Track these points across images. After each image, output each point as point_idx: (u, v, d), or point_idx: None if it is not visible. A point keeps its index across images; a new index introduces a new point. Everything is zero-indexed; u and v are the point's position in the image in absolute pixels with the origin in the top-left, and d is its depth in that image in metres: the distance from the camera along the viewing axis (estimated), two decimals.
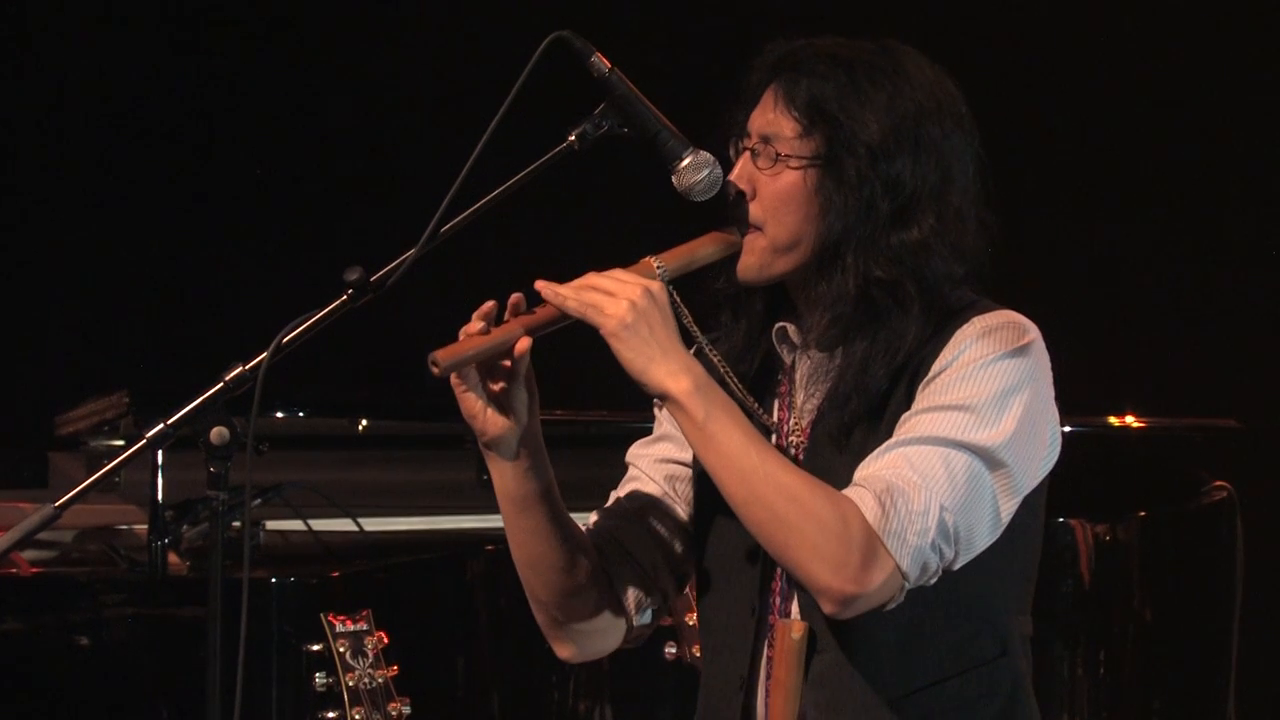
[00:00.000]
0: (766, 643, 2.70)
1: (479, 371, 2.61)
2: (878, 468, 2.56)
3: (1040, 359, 2.63)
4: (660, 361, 2.54)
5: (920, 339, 2.62)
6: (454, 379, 2.60)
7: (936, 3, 5.92)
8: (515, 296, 2.58)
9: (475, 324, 2.56)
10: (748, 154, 2.68)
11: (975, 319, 2.62)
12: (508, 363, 2.60)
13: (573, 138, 2.66)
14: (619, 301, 2.54)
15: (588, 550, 2.76)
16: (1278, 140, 5.94)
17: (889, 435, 2.61)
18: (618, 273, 2.57)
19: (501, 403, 2.63)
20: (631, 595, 2.79)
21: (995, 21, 5.98)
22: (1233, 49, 5.96)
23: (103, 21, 6.19)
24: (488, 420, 2.63)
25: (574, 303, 2.55)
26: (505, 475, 2.68)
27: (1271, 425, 5.70)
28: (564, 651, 2.82)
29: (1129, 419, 5.32)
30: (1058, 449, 2.66)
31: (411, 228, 2.63)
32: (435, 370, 2.53)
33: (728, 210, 2.69)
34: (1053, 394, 2.65)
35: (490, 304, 2.58)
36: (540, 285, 2.57)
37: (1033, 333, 2.63)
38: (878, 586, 2.52)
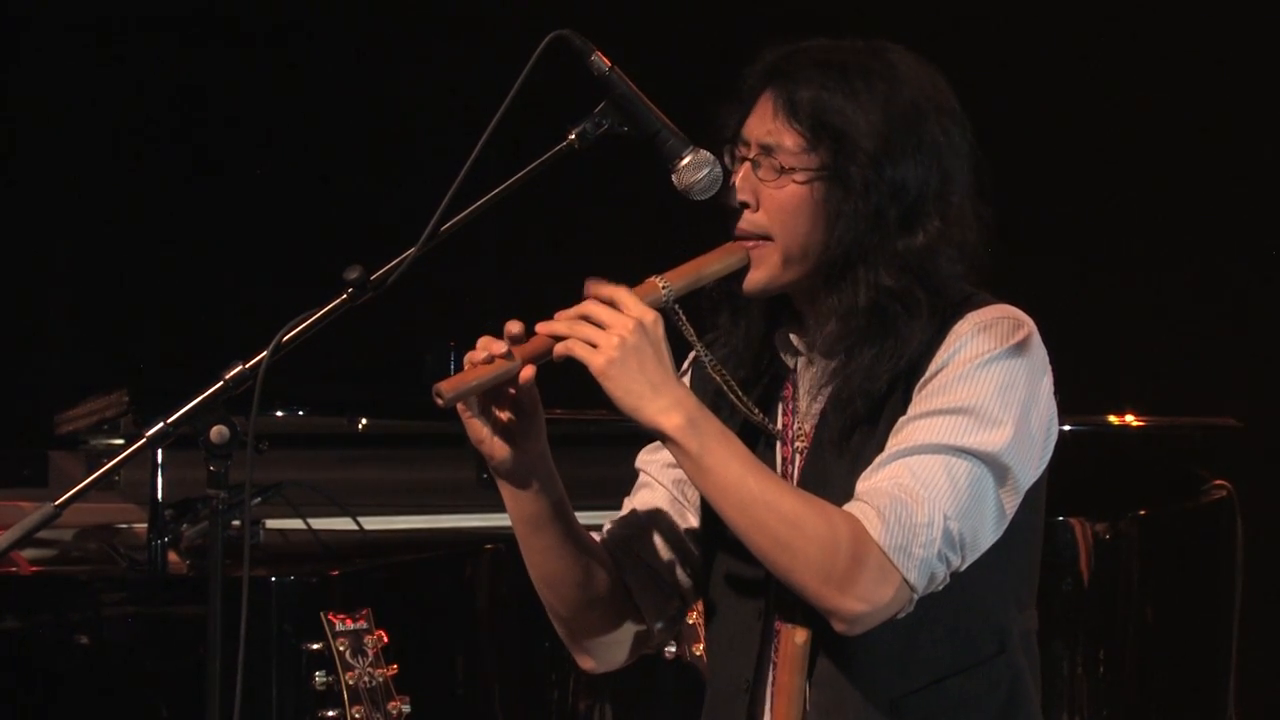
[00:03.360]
0: (772, 648, 2.70)
1: (485, 399, 2.61)
2: (879, 480, 2.56)
3: (1036, 353, 2.62)
4: (650, 399, 2.53)
5: (923, 341, 2.62)
6: (460, 406, 2.60)
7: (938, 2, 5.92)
8: (510, 326, 2.56)
9: (479, 353, 2.55)
10: (748, 165, 2.67)
11: (970, 315, 2.62)
12: (512, 390, 2.60)
13: (573, 136, 2.66)
14: (609, 337, 2.52)
15: (603, 562, 2.76)
16: (1277, 140, 5.94)
17: (887, 437, 2.61)
18: (618, 296, 2.56)
19: (508, 428, 2.63)
20: (650, 603, 2.79)
21: (995, 19, 5.98)
22: (1233, 48, 5.96)
23: (103, 20, 6.19)
24: (495, 446, 2.63)
25: (562, 347, 2.54)
26: (516, 497, 2.68)
27: (1271, 425, 5.70)
28: (586, 663, 2.82)
29: (1129, 418, 5.32)
30: (1055, 439, 2.65)
31: (412, 227, 2.63)
32: (439, 401, 2.52)
33: (730, 223, 2.68)
34: (1051, 386, 2.64)
35: (498, 343, 2.56)
36: (539, 325, 2.56)
37: (1027, 326, 2.62)
38: (887, 602, 2.52)
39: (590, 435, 4.79)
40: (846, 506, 2.55)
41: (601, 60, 2.65)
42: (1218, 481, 5.11)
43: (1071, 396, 2.82)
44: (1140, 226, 6.03)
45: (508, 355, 2.54)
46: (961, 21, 5.87)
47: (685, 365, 2.81)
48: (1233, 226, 6.01)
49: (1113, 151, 6.02)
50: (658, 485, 2.83)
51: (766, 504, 2.52)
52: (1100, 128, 6.03)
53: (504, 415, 2.62)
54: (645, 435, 2.76)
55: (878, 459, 2.58)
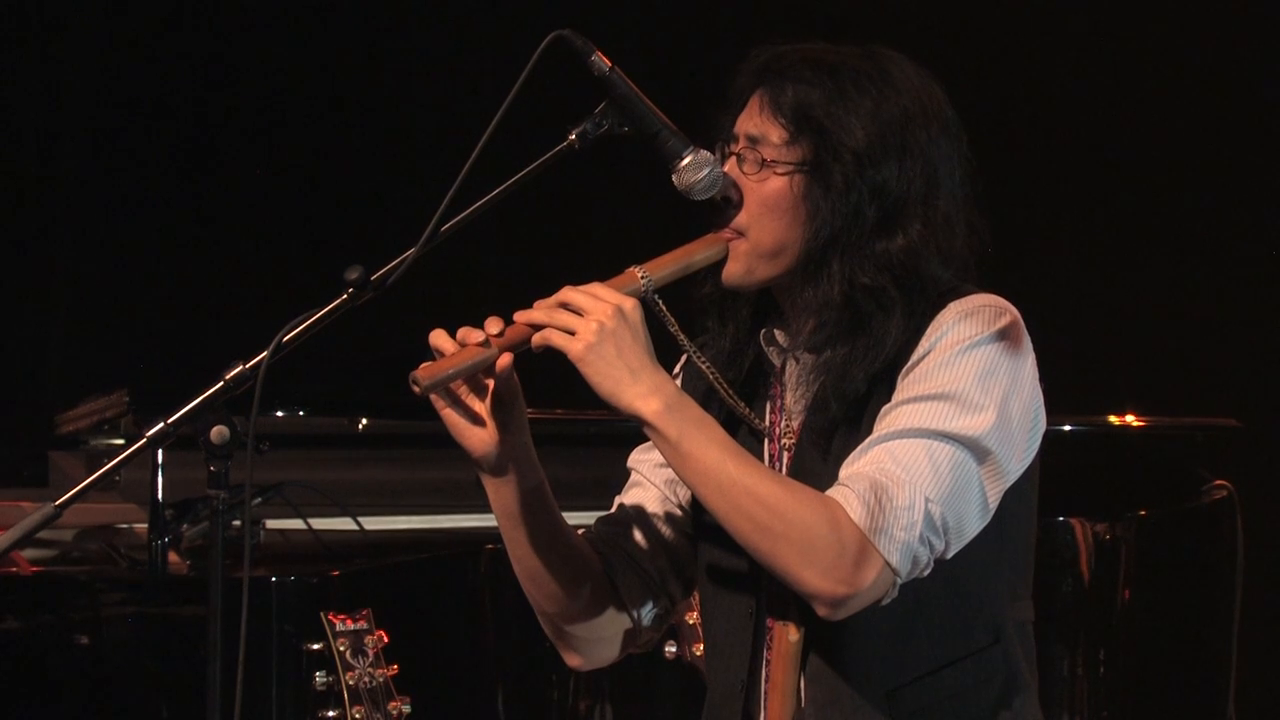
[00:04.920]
0: (765, 646, 2.70)
1: (462, 390, 2.61)
2: (861, 465, 2.56)
3: (1018, 339, 2.62)
4: (629, 384, 2.53)
5: (900, 341, 2.62)
6: (435, 398, 2.60)
7: (936, 3, 5.92)
8: (490, 325, 2.56)
9: (454, 343, 2.56)
10: (733, 159, 2.68)
11: (952, 304, 2.62)
12: (490, 381, 2.60)
13: (573, 136, 2.66)
14: (587, 323, 2.52)
15: (590, 559, 2.76)
16: (1277, 140, 5.94)
17: (871, 432, 2.60)
18: (595, 288, 2.56)
19: (488, 420, 2.63)
20: (637, 601, 2.79)
21: (994, 20, 5.98)
22: (1232, 48, 5.97)
23: (104, 20, 6.20)
24: (473, 437, 2.63)
25: (539, 338, 2.54)
26: (497, 489, 2.69)
27: (1271, 425, 5.70)
28: (572, 660, 2.82)
29: (1129, 418, 5.32)
30: (1042, 428, 2.65)
31: (412, 227, 2.63)
32: (416, 390, 2.52)
33: (712, 215, 2.69)
34: (1035, 373, 2.64)
35: (475, 332, 2.57)
36: (517, 314, 2.57)
37: (1010, 314, 2.62)
38: (869, 585, 2.52)
39: (588, 435, 4.79)
40: (828, 491, 2.55)
41: (602, 60, 2.66)
42: (1218, 481, 5.11)
43: (1071, 396, 2.83)
44: (1141, 226, 6.03)
45: (484, 344, 2.54)
46: (961, 20, 5.87)
47: (676, 369, 2.81)
48: (1233, 226, 6.01)
49: (1113, 151, 6.02)
50: (649, 485, 2.84)
51: (746, 489, 2.52)
52: (1101, 127, 6.03)
53: (483, 406, 2.62)
54: (642, 436, 2.77)
55: (861, 445, 2.59)
